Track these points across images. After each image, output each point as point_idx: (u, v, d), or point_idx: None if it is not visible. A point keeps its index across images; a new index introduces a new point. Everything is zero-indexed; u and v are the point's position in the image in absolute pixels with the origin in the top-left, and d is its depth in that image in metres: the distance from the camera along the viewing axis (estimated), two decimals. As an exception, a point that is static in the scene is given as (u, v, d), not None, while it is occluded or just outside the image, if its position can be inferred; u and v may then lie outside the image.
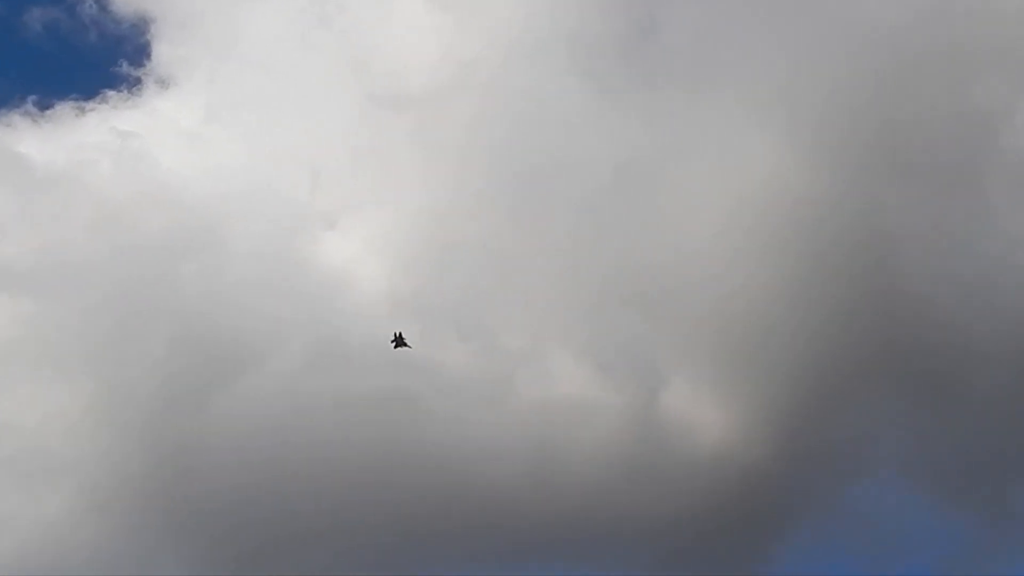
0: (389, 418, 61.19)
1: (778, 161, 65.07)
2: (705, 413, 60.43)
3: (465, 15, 77.17)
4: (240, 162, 74.20)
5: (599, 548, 62.08)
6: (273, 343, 63.90)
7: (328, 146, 74.45)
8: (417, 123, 72.77)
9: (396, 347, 51.64)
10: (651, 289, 63.21)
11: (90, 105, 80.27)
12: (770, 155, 65.51)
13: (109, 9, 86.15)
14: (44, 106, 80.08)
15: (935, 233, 59.82)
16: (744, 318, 61.34)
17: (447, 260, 67.16)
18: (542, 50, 73.38)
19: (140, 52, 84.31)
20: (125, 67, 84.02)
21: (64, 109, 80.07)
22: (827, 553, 66.25)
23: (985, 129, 62.05)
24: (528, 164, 69.02)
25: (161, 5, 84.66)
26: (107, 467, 59.07)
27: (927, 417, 61.77)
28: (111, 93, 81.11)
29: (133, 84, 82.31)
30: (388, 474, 60.87)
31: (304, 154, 74.03)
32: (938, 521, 65.30)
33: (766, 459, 59.38)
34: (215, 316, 64.90)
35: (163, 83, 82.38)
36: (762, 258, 62.15)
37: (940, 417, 61.12)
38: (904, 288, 59.35)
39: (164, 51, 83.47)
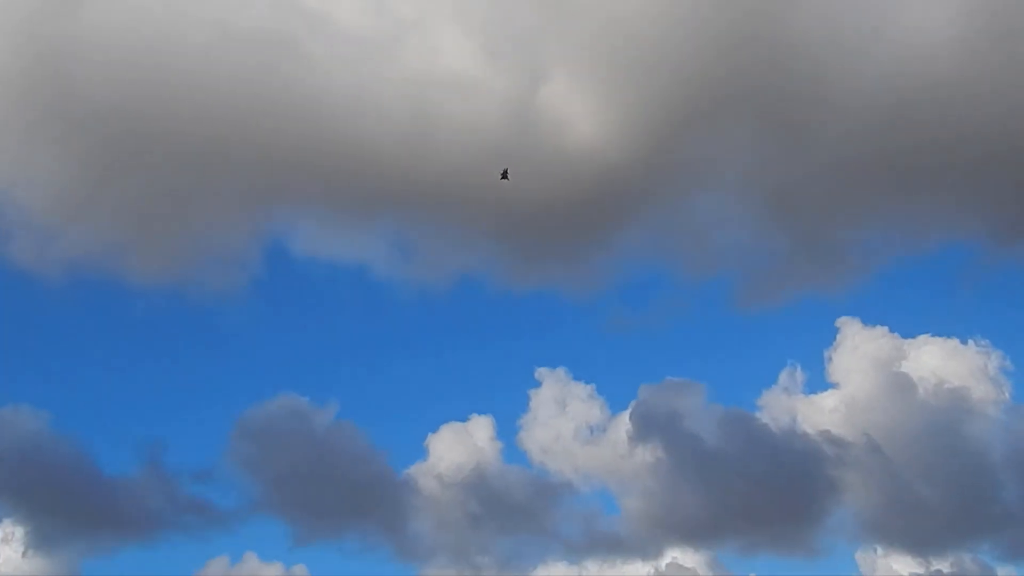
0: (268, 57, 61.19)
1: None
2: (579, 111, 63.04)
3: None
4: None
5: (456, 220, 66.33)
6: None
7: None
8: None
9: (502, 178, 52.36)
10: (551, -13, 63.28)
11: None
12: None
13: None
14: None
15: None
16: (632, 33, 62.71)
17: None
18: None
19: None
20: None
21: None
22: (659, 251, 74.33)
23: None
24: None
25: None
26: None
27: (775, 151, 67.21)
28: None
29: None
30: (261, 114, 61.65)
31: None
32: (759, 240, 73.18)
33: (625, 162, 63.41)
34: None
35: None
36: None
37: (787, 153, 66.69)
38: (788, 29, 61.70)
39: None
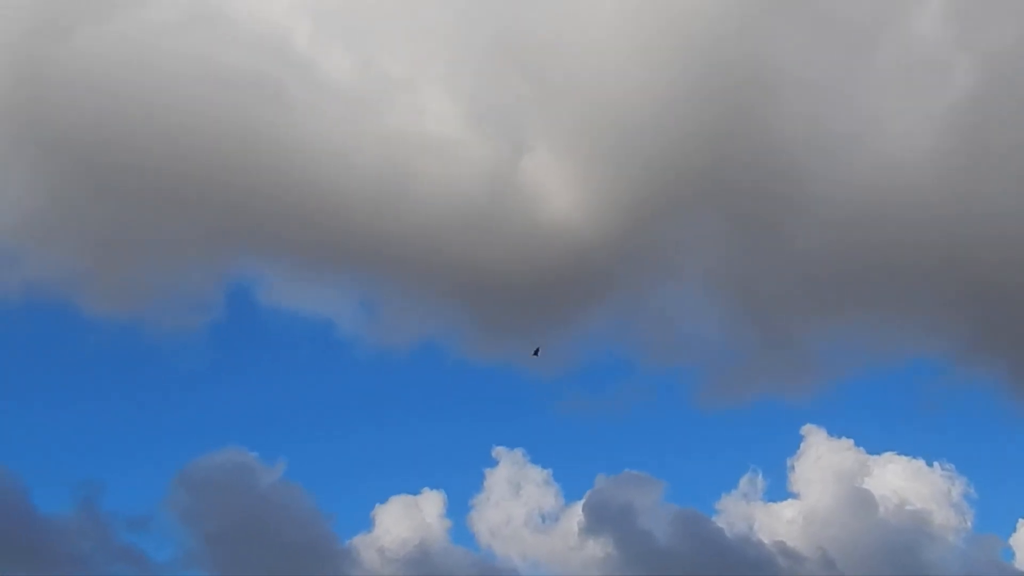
0: (250, 100, 60.80)
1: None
2: (556, 187, 62.77)
3: None
4: None
5: (424, 284, 65.71)
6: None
7: None
8: None
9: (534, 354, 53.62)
10: (542, 60, 63.60)
11: None
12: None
13: None
14: None
15: (818, 85, 61.74)
16: (619, 113, 62.92)
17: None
18: None
19: None
20: None
21: None
22: (624, 336, 73.61)
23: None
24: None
25: None
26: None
27: (747, 248, 66.93)
28: None
29: None
30: (237, 155, 61.17)
31: None
32: (725, 336, 72.48)
33: (597, 242, 62.98)
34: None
35: None
36: (652, 68, 62.72)
37: (759, 252, 66.34)
38: (771, 128, 61.77)
39: None
